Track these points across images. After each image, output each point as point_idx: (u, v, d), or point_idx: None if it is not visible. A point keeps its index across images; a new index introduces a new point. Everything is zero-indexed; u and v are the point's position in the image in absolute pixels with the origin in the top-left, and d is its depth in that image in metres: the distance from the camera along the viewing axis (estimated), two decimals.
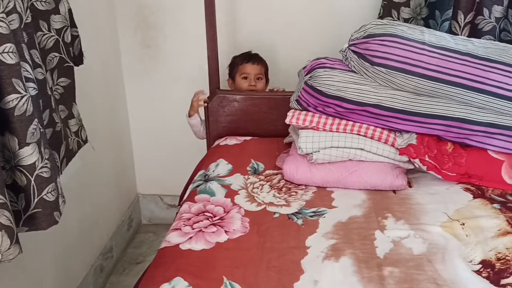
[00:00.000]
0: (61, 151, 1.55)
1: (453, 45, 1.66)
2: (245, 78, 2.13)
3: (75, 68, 1.63)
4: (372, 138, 1.68)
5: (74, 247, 1.95)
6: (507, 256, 1.30)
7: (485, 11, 1.97)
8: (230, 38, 2.32)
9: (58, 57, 1.54)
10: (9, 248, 1.13)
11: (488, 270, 1.25)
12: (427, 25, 2.06)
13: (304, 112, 1.76)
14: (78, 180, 1.94)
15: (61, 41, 1.55)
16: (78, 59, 1.68)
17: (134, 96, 2.50)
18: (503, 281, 1.21)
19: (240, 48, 2.25)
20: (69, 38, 1.58)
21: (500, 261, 1.28)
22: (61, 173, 1.52)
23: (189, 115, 2.11)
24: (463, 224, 1.43)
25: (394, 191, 1.64)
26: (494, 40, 1.95)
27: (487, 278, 1.22)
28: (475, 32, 1.99)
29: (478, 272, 1.24)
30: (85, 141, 1.72)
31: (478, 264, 1.27)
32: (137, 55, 2.42)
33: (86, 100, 1.87)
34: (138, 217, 2.68)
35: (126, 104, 2.51)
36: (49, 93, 1.44)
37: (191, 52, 2.34)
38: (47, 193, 1.23)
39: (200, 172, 1.79)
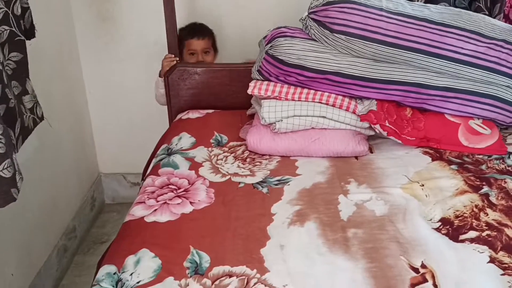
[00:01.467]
0: (16, 128, 1.49)
1: (410, 11, 1.68)
2: (192, 54, 2.10)
3: (27, 42, 1.56)
4: (333, 105, 1.70)
5: (36, 228, 1.90)
6: (464, 213, 1.35)
7: None
8: (189, 9, 2.27)
9: (8, 31, 1.47)
10: None
11: (447, 227, 1.29)
12: None
13: (266, 82, 1.75)
14: (36, 160, 1.89)
15: (10, 14, 1.48)
16: (30, 32, 1.61)
17: (90, 71, 2.43)
18: (462, 237, 1.26)
19: (199, 20, 2.21)
20: (19, 10, 1.51)
21: (458, 218, 1.33)
22: (17, 151, 1.46)
23: (160, 76, 2.05)
24: (423, 185, 1.47)
25: (356, 157, 1.67)
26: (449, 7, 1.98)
27: (446, 234, 1.26)
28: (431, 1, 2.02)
29: (437, 229, 1.28)
30: (41, 118, 1.66)
31: (437, 222, 1.31)
32: (93, 29, 2.34)
33: (41, 77, 1.81)
34: (101, 196, 2.64)
35: (83, 80, 2.44)
36: (0, 68, 1.38)
37: (149, 25, 2.28)
38: (3, 169, 1.19)
39: (163, 146, 1.77)
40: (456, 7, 2.01)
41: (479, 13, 1.83)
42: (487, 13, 1.96)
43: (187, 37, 2.10)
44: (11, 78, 1.50)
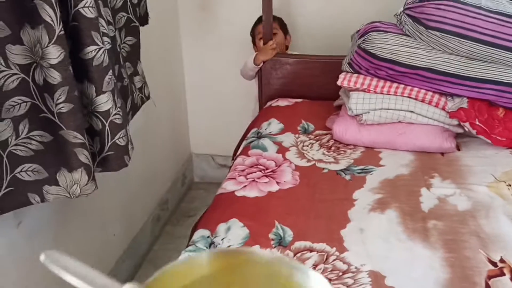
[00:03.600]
0: (127, 105, 1.68)
1: (511, 11, 1.65)
2: (260, 38, 2.18)
3: (140, 29, 1.74)
4: (422, 101, 1.71)
5: (136, 196, 2.11)
6: None
7: None
8: (282, 3, 2.36)
9: (125, 17, 1.65)
10: (86, 184, 1.27)
11: None
12: None
13: (355, 75, 1.81)
14: (140, 135, 2.08)
15: (128, 2, 1.66)
16: (143, 19, 1.79)
17: (190, 57, 2.61)
18: None
19: (292, 13, 2.29)
20: None
21: None
22: (128, 125, 1.65)
23: (256, 62, 2.12)
24: (510, 185, 1.46)
25: (442, 154, 1.68)
26: None
27: None
28: None
29: None
30: (148, 97, 1.85)
31: None
32: (194, 17, 2.51)
33: (147, 60, 1.99)
34: (191, 174, 2.83)
35: (183, 66, 2.63)
36: (118, 50, 1.57)
37: (243, 16, 2.39)
38: (119, 138, 1.36)
39: (253, 130, 1.89)
40: None
41: None
42: None
43: (255, 25, 2.20)
44: (125, 60, 1.68)
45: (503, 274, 1.11)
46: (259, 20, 2.20)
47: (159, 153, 2.38)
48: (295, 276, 0.45)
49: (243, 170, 1.59)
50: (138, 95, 1.78)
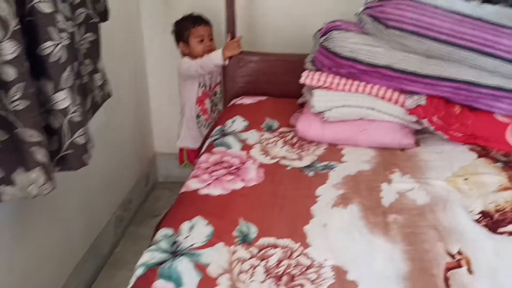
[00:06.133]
0: (87, 103, 1.64)
1: (465, 10, 1.70)
2: (201, 40, 2.18)
3: (101, 25, 1.71)
4: (383, 98, 1.75)
5: (98, 196, 2.06)
6: (505, 208, 1.38)
7: None
8: (247, 8, 2.36)
9: (85, 13, 1.61)
10: (44, 183, 1.23)
11: (487, 219, 1.33)
12: None
13: (318, 73, 1.83)
14: (101, 135, 2.03)
15: None
16: (103, 15, 1.76)
17: (152, 55, 2.58)
18: (501, 229, 1.29)
19: (260, 13, 2.30)
20: None
21: (499, 213, 1.36)
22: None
23: (225, 59, 2.11)
24: (466, 179, 1.51)
25: (402, 149, 1.72)
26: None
27: (485, 226, 1.30)
28: (488, 1, 2.01)
29: (477, 220, 1.32)
30: (109, 95, 1.81)
31: (478, 214, 1.35)
32: (156, 12, 2.47)
33: (108, 57, 1.95)
34: (155, 174, 2.80)
35: (145, 63, 2.59)
36: (77, 46, 1.53)
37: (208, 13, 2.38)
38: (78, 136, 1.32)
39: (218, 128, 1.88)
40: None
41: None
42: None
43: (194, 25, 2.18)
44: (85, 57, 1.64)
45: (460, 266, 1.14)
46: (196, 19, 2.19)
47: (121, 152, 2.34)
48: None
49: (207, 168, 1.58)
50: (99, 92, 1.75)
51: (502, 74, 1.69)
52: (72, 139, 1.32)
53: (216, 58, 2.10)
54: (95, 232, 2.06)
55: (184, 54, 2.25)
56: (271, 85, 2.15)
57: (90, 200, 2.00)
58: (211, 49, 2.17)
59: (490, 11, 1.72)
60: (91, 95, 1.66)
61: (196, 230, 1.26)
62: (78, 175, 1.50)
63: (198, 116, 2.29)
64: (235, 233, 1.26)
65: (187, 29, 2.19)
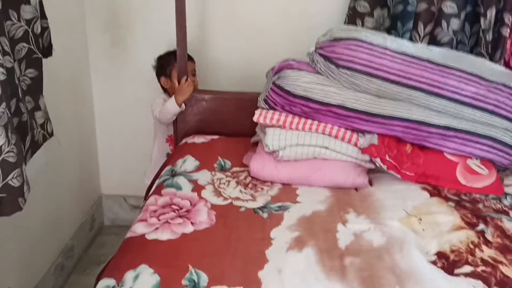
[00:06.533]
0: (26, 142, 1.53)
1: (414, 51, 1.75)
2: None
3: (43, 60, 1.63)
4: (336, 137, 1.74)
5: (36, 243, 1.91)
6: (460, 248, 1.37)
7: (444, 24, 2.07)
8: (199, 37, 2.34)
9: (27, 48, 1.54)
10: None
11: (443, 261, 1.31)
12: None
13: (271, 111, 1.81)
14: (42, 177, 1.92)
15: (30, 32, 1.55)
16: (47, 51, 1.68)
17: (100, 94, 2.49)
18: (457, 271, 1.27)
19: (210, 51, 2.28)
20: (39, 29, 1.58)
21: (454, 253, 1.35)
22: (26, 164, 1.50)
23: (180, 104, 2.04)
24: (420, 219, 1.50)
25: (356, 189, 1.70)
26: None
27: (442, 267, 1.28)
28: (434, 43, 2.09)
29: (433, 262, 1.30)
30: (51, 135, 1.71)
31: (433, 255, 1.33)
32: (105, 53, 2.41)
33: (52, 94, 1.86)
34: (101, 217, 2.65)
35: (93, 102, 2.49)
36: (17, 82, 1.44)
37: (157, 51, 2.33)
38: (13, 178, 1.22)
39: (167, 168, 1.80)
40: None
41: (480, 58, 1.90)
42: (488, 58, 2.03)
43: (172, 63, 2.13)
44: (25, 93, 1.55)
45: None
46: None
47: (64, 195, 2.21)
48: None
49: (155, 211, 1.50)
50: (40, 131, 1.65)
51: (450, 114, 1.73)
52: (5, 181, 1.22)
53: (171, 106, 2.04)
54: (32, 284, 1.89)
55: (164, 90, 2.18)
56: (223, 124, 2.11)
57: (27, 248, 1.84)
58: (193, 85, 2.12)
59: (437, 53, 1.77)
60: (30, 134, 1.55)
61: (141, 280, 1.17)
62: (13, 220, 1.38)
63: (167, 154, 2.20)
64: (184, 282, 1.18)
65: (170, 63, 2.14)
